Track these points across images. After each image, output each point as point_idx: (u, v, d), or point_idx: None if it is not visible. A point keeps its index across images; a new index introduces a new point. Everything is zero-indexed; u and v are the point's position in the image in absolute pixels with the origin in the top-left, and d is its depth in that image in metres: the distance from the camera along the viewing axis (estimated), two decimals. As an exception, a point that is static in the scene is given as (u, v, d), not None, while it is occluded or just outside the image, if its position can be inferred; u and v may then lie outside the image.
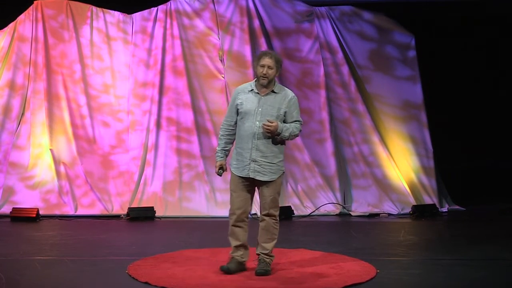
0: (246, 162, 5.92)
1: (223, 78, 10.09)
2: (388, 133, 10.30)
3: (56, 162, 9.65)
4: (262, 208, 6.04)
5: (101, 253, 6.93)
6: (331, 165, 10.08)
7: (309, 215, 9.65)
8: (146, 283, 5.65)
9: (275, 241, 6.02)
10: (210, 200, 9.71)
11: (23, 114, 9.82)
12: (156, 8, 10.19)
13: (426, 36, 10.71)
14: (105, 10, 10.13)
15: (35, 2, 9.94)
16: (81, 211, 9.48)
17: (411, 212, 9.75)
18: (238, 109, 5.99)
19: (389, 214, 9.78)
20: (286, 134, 5.91)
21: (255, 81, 6.05)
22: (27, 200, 9.44)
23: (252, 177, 5.92)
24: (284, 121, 5.97)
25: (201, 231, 8.44)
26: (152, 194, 9.71)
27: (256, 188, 6.05)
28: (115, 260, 6.54)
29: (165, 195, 9.70)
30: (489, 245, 7.45)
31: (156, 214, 9.41)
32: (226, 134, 6.09)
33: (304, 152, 10.03)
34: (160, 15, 10.16)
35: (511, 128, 11.33)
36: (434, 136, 10.37)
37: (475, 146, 11.26)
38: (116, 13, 10.16)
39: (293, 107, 6.02)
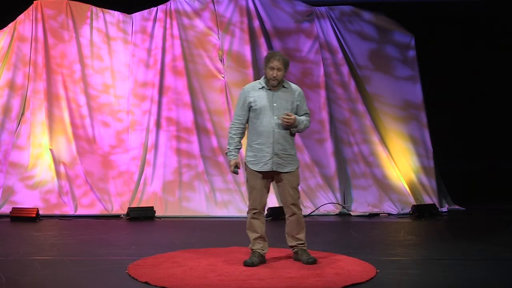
0: (267, 157, 6.13)
1: (223, 78, 10.09)
2: (388, 133, 10.31)
3: (56, 162, 9.65)
4: (285, 200, 6.24)
5: (101, 253, 6.93)
6: (331, 165, 10.08)
7: (309, 215, 9.65)
8: (146, 283, 5.64)
9: (305, 229, 6.32)
10: (210, 200, 9.71)
11: (23, 114, 9.82)
12: (156, 8, 10.20)
13: (426, 36, 10.71)
14: (105, 10, 10.13)
15: (35, 2, 9.95)
16: (81, 211, 9.48)
17: (411, 212, 9.75)
18: (251, 107, 6.18)
19: (389, 214, 9.78)
20: (302, 126, 6.22)
21: (264, 78, 6.24)
22: (27, 200, 9.45)
23: (275, 169, 6.14)
24: (296, 114, 6.23)
25: (201, 231, 8.43)
26: (152, 194, 9.71)
27: (272, 181, 6.29)
28: (115, 260, 6.54)
29: (165, 195, 9.71)
30: (489, 245, 7.45)
31: (156, 214, 9.41)
32: (239, 133, 6.27)
33: (304, 152, 10.03)
34: (160, 15, 10.16)
35: (511, 128, 11.33)
36: (434, 136, 10.37)
37: (475, 146, 11.26)
38: (116, 13, 10.17)
39: (303, 100, 6.32)
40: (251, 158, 6.21)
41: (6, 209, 9.31)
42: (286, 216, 6.29)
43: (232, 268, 6.13)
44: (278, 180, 6.25)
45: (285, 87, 6.23)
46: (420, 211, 9.66)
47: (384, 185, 10.08)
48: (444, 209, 10.07)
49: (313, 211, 9.72)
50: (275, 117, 6.11)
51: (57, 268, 6.20)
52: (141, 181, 9.78)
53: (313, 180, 9.99)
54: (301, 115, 6.25)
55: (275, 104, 6.14)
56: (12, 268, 6.16)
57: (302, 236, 6.27)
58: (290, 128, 6.15)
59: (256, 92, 6.20)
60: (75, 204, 9.52)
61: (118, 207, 9.62)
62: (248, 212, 6.34)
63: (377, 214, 9.77)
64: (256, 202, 6.24)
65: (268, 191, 6.31)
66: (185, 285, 5.57)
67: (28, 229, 8.44)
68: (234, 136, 6.25)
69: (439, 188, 10.25)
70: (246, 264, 6.20)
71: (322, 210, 9.80)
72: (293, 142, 6.26)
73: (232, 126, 6.28)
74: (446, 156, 10.71)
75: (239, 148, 6.29)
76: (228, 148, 6.29)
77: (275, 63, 6.13)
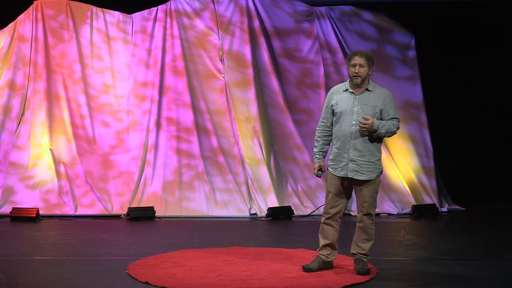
0: (344, 162, 5.90)
1: (223, 78, 10.09)
2: (388, 133, 10.28)
3: (56, 162, 9.64)
4: (360, 207, 6.00)
5: (101, 253, 6.93)
6: (331, 165, 10.06)
7: (309, 215, 9.65)
8: (146, 283, 5.65)
9: (372, 242, 6.04)
10: (210, 200, 9.70)
11: (23, 114, 9.82)
12: (156, 8, 10.19)
13: (426, 36, 10.71)
14: (105, 10, 10.13)
15: (35, 2, 9.94)
16: (81, 211, 9.48)
17: (411, 212, 9.75)
18: (333, 110, 5.98)
19: (389, 214, 9.77)
20: (383, 131, 5.83)
21: (349, 81, 6.03)
22: (27, 200, 9.44)
23: (351, 176, 5.89)
24: (381, 119, 5.92)
25: (201, 231, 8.43)
26: (152, 194, 9.71)
27: (353, 187, 6.04)
28: (115, 260, 6.54)
29: (165, 195, 9.70)
30: (489, 245, 7.45)
31: (156, 214, 9.41)
32: (323, 136, 6.09)
33: (304, 152, 10.02)
34: (160, 15, 10.16)
35: (511, 127, 11.32)
36: (434, 136, 10.36)
37: (475, 146, 11.26)
38: (116, 13, 10.16)
39: (389, 105, 5.94)
40: (331, 161, 6.00)
41: (6, 209, 9.30)
42: (357, 222, 6.07)
43: (232, 268, 6.13)
44: (356, 187, 5.98)
45: (369, 90, 5.92)
46: (420, 211, 9.66)
47: (384, 185, 10.05)
48: (444, 209, 10.06)
49: (313, 211, 9.72)
50: (354, 122, 5.83)
51: (57, 268, 6.21)
52: (141, 181, 9.77)
53: (313, 180, 9.98)
54: (387, 120, 5.90)
55: (355, 108, 5.86)
56: (12, 268, 6.16)
57: (365, 246, 6.01)
58: (368, 132, 5.79)
59: (340, 95, 5.96)
60: (75, 204, 9.52)
61: (118, 207, 9.61)
62: (322, 216, 6.18)
63: (377, 214, 9.74)
64: (329, 206, 6.04)
65: (347, 198, 6.05)
66: (185, 285, 5.58)
67: (28, 229, 8.45)
68: (318, 139, 6.08)
69: (439, 188, 10.25)
70: (304, 269, 6.03)
71: (322, 210, 9.78)
72: (376, 148, 5.90)
73: (317, 128, 6.11)
74: (446, 156, 10.71)
75: (325, 151, 6.08)
76: (314, 151, 6.12)
77: (357, 59, 5.91)
